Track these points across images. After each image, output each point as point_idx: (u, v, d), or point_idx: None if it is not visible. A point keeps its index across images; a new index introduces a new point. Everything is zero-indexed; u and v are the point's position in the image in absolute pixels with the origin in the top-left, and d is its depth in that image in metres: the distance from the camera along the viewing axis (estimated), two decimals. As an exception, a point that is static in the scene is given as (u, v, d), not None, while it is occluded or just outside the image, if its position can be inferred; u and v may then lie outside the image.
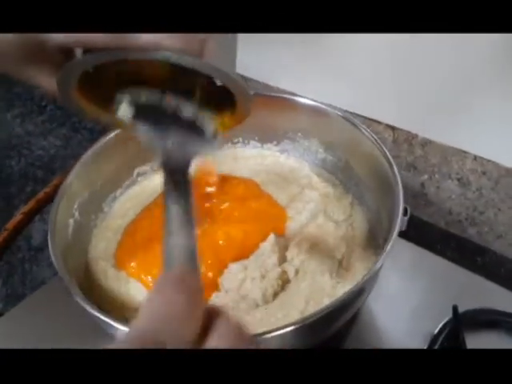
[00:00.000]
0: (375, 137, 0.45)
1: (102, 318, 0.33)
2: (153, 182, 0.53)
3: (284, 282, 0.41)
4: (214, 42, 0.28)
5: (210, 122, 0.33)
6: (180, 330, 0.18)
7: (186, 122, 0.32)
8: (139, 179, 0.53)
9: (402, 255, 0.52)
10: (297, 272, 0.42)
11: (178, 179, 0.29)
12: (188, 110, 0.32)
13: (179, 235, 0.26)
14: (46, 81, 0.29)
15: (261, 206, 0.47)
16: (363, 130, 0.46)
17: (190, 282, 0.20)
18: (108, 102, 0.32)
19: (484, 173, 0.53)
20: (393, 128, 0.57)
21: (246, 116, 0.33)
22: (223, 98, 0.31)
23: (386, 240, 0.37)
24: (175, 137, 0.32)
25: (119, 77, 0.31)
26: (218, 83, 0.29)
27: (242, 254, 0.42)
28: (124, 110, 0.31)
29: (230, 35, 0.34)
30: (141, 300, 0.41)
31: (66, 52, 0.28)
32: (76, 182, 0.45)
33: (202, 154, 0.34)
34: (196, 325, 0.19)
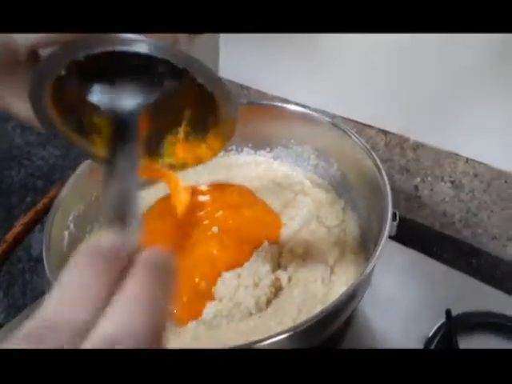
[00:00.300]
0: (364, 143, 0.46)
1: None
2: (147, 192, 0.53)
3: (277, 290, 0.42)
4: (185, 38, 0.27)
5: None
6: (68, 314, 0.17)
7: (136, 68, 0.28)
8: (134, 190, 0.54)
9: (396, 258, 0.52)
10: (290, 279, 0.42)
11: (123, 125, 0.27)
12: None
13: (119, 181, 0.23)
14: (20, 105, 0.27)
15: (255, 213, 0.48)
16: (353, 137, 0.47)
17: (104, 251, 0.18)
18: (82, 127, 0.31)
19: (476, 175, 0.53)
20: (385, 132, 0.57)
21: (234, 122, 0.30)
22: (207, 118, 0.31)
23: (375, 245, 0.37)
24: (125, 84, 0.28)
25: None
26: (198, 80, 0.27)
27: (236, 262, 0.43)
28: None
29: (210, 35, 0.33)
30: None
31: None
32: (71, 194, 0.45)
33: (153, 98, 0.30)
34: (89, 307, 0.17)
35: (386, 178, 0.42)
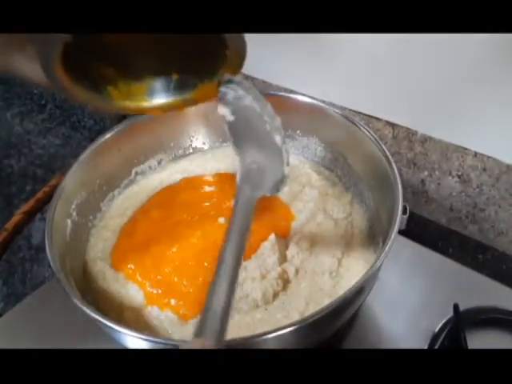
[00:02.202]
0: (374, 135, 0.45)
1: (99, 318, 0.33)
2: (151, 181, 0.53)
3: (284, 282, 0.41)
4: None
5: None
6: None
7: None
8: (137, 178, 0.53)
9: (402, 253, 0.52)
10: (297, 272, 0.42)
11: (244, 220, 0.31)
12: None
13: (222, 293, 0.27)
14: (31, 69, 0.28)
15: (265, 205, 0.47)
16: (362, 129, 0.46)
17: None
18: (95, 83, 0.32)
19: (484, 169, 0.52)
20: (392, 125, 0.56)
21: (243, 58, 0.33)
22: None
23: (385, 239, 0.37)
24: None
25: (102, 51, 0.30)
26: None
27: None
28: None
29: None
30: (139, 301, 0.41)
31: None
32: (73, 183, 0.44)
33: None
34: None
35: (396, 170, 0.41)
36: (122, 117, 0.52)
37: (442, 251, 0.53)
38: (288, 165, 0.35)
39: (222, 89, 0.33)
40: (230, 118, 0.34)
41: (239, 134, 0.34)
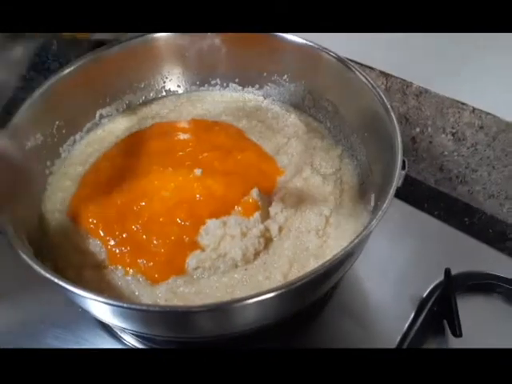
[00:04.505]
0: (372, 81, 0.40)
1: (55, 280, 0.28)
2: (118, 125, 0.47)
3: (266, 241, 0.37)
4: None
5: None
6: None
7: None
8: (103, 122, 0.47)
9: (390, 214, 0.48)
10: (280, 230, 0.38)
11: None
12: None
13: None
14: None
15: (248, 157, 0.42)
16: (358, 74, 0.41)
17: None
18: None
19: (482, 127, 0.49)
20: (386, 75, 0.52)
21: None
22: None
23: (378, 196, 0.33)
24: None
25: None
26: None
27: (223, 209, 0.38)
28: None
29: None
30: (101, 259, 0.36)
31: None
32: (26, 122, 0.39)
33: None
34: None
35: (395, 121, 0.37)
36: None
37: (429, 213, 0.51)
38: None
39: None
40: None
41: None
